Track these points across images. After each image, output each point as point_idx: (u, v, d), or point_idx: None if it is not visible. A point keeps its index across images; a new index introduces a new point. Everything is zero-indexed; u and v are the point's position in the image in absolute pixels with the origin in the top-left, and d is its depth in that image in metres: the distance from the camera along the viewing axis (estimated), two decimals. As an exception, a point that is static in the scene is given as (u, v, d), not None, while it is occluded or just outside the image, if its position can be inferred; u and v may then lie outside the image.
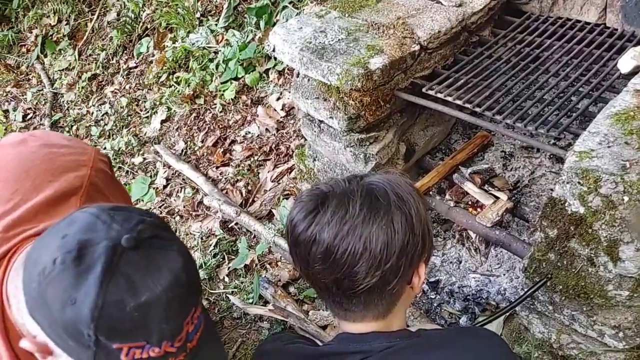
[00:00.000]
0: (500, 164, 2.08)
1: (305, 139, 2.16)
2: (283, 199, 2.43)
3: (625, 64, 1.60)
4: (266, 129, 2.81)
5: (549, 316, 1.53)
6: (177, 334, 0.79)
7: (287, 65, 2.24)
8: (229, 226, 2.43)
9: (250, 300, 2.10)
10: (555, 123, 1.50)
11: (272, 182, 2.56)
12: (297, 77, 1.95)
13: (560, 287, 1.40)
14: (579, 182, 1.25)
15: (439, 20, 1.84)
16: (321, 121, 1.90)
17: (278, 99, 2.89)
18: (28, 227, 1.01)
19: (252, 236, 2.34)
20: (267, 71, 3.02)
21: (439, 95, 1.67)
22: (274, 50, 1.88)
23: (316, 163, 2.15)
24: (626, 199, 1.17)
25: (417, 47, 1.76)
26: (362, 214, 0.86)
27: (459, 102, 1.62)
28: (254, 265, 2.23)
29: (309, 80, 1.88)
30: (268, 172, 2.61)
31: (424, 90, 1.72)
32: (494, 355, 0.93)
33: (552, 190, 1.68)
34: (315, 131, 1.98)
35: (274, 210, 2.41)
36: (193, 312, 0.81)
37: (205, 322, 0.85)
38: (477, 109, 1.60)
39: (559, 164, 1.98)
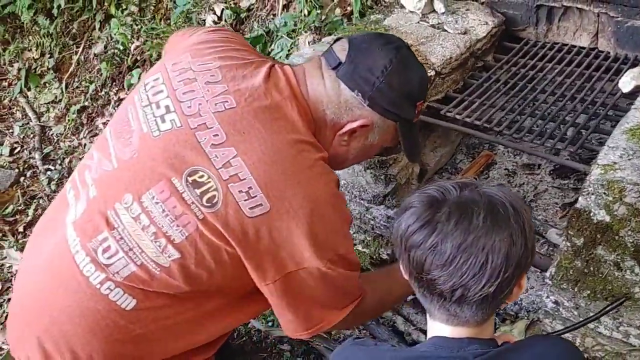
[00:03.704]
0: (505, 181, 2.19)
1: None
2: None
3: (625, 84, 1.74)
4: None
5: (574, 321, 1.61)
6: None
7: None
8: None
9: (271, 324, 2.12)
10: (572, 139, 1.62)
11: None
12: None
13: (588, 292, 1.50)
14: (604, 193, 1.35)
15: (449, 47, 1.96)
16: (340, 145, 1.97)
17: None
18: None
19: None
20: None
21: (457, 117, 1.77)
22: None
23: (331, 186, 2.21)
24: (651, 206, 1.28)
25: (432, 73, 1.86)
26: (485, 226, 0.90)
27: (478, 122, 1.73)
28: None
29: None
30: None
31: (442, 112, 1.82)
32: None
33: (564, 202, 1.79)
34: (332, 155, 2.04)
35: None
36: None
37: None
38: (496, 129, 1.70)
39: (559, 179, 2.10)
